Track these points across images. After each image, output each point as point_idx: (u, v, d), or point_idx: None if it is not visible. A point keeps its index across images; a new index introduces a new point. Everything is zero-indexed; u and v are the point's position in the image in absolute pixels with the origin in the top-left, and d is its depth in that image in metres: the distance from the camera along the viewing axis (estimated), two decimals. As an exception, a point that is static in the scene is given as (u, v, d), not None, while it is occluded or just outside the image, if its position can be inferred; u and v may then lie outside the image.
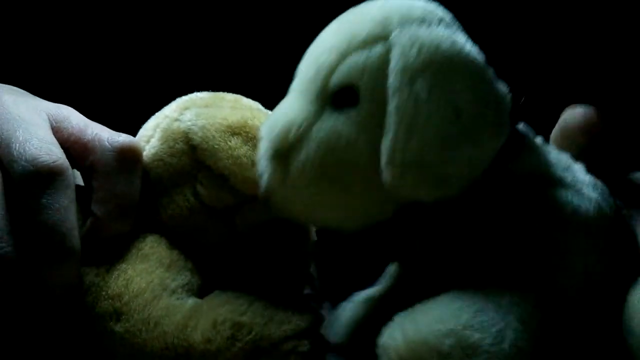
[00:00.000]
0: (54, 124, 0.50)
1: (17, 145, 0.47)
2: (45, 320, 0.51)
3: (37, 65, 0.82)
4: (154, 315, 0.52)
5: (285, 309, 0.53)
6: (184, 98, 0.58)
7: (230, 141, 0.54)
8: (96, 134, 0.52)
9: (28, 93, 0.53)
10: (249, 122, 0.55)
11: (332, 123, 0.47)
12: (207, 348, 0.51)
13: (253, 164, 0.53)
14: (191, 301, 0.53)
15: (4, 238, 0.48)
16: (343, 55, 0.48)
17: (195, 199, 0.55)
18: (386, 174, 0.44)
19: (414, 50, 0.45)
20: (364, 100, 0.47)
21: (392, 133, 0.44)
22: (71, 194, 0.50)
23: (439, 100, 0.44)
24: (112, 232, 0.53)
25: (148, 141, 0.57)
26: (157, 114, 0.58)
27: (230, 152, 0.54)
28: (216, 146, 0.54)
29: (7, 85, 0.53)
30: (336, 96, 0.48)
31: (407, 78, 0.45)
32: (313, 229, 0.59)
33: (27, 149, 0.47)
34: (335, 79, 0.48)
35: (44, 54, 0.83)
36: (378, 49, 0.47)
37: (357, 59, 0.47)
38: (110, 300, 0.52)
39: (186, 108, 0.57)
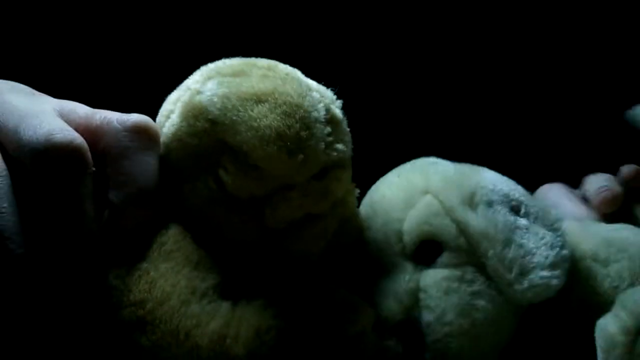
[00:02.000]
0: (62, 115, 0.46)
1: (26, 130, 0.43)
2: (60, 325, 0.43)
3: (37, 63, 0.76)
4: (184, 326, 0.43)
5: (337, 311, 0.45)
6: (210, 66, 0.49)
7: (252, 110, 0.45)
8: (104, 117, 0.46)
9: (32, 89, 0.50)
10: (279, 89, 0.45)
11: None
12: (251, 358, 0.43)
13: (278, 137, 0.44)
14: (225, 306, 0.45)
15: (14, 239, 0.42)
16: None
17: (218, 187, 0.46)
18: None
19: None
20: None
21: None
22: (89, 179, 0.43)
23: None
24: (133, 222, 0.45)
25: (168, 116, 0.48)
26: (181, 84, 0.49)
27: (250, 122, 0.44)
28: (235, 117, 0.45)
29: (11, 82, 0.50)
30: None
31: None
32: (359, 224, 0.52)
33: (37, 131, 0.43)
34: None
35: (44, 52, 0.77)
36: None
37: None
38: (132, 308, 0.44)
39: (210, 78, 0.47)
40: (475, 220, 0.48)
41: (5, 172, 0.43)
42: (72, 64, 0.76)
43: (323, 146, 0.46)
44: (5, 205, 0.42)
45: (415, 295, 0.49)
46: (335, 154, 0.47)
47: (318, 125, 0.46)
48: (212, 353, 0.43)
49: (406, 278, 0.49)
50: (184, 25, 0.76)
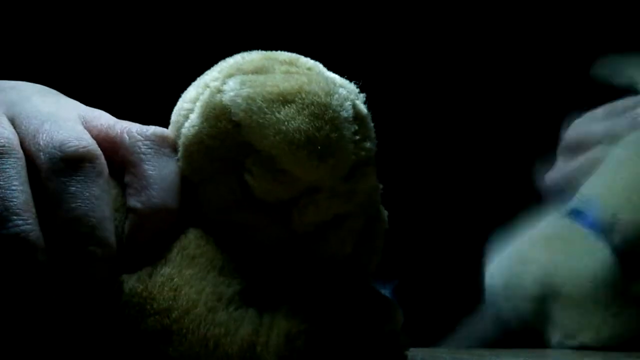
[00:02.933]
0: (84, 122, 0.47)
1: (44, 135, 0.43)
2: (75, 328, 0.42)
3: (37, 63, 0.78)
4: (212, 334, 0.42)
5: (368, 313, 0.44)
6: (229, 61, 0.47)
7: (279, 112, 0.42)
8: (125, 127, 0.46)
9: (59, 93, 0.50)
10: (305, 87, 0.43)
11: None
12: None
13: (309, 140, 0.42)
14: (252, 312, 0.43)
15: (25, 215, 0.41)
16: None
17: (243, 191, 0.44)
18: None
19: None
20: None
21: None
22: (103, 183, 0.43)
23: None
24: (156, 227, 0.44)
25: (187, 116, 0.46)
26: (197, 80, 0.47)
27: (278, 125, 0.42)
28: (261, 120, 0.42)
29: (38, 85, 0.50)
30: None
31: None
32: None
33: (54, 136, 0.43)
34: None
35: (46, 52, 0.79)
36: None
37: None
38: (157, 317, 0.42)
39: (230, 75, 0.45)
40: None
41: (21, 155, 0.43)
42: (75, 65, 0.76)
43: (352, 146, 0.44)
44: (16, 183, 0.42)
45: None
46: (363, 152, 0.45)
47: (346, 124, 0.44)
48: (246, 354, 0.42)
49: None
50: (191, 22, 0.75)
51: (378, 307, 0.45)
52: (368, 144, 0.46)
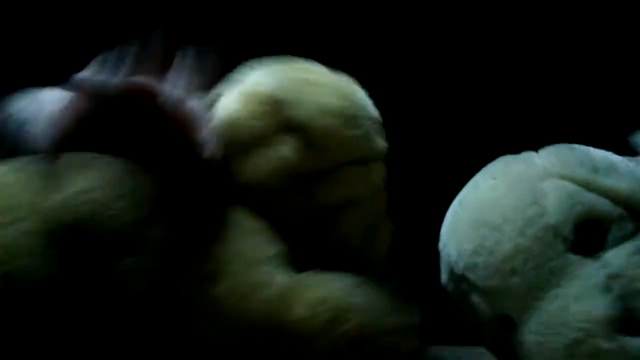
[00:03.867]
0: None
1: None
2: None
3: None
4: (251, 282, 0.46)
5: (391, 299, 0.49)
6: (257, 64, 0.54)
7: (314, 92, 0.51)
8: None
9: None
10: (334, 78, 0.52)
11: None
12: (302, 329, 0.45)
13: (338, 112, 0.50)
14: (286, 274, 0.47)
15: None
16: None
17: (277, 161, 0.50)
18: None
19: None
20: None
21: None
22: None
23: None
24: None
25: (220, 103, 0.52)
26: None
27: (314, 99, 0.50)
28: (300, 96, 0.50)
29: None
30: None
31: None
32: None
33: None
34: None
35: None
36: None
37: None
38: (207, 262, 0.46)
39: (262, 70, 0.53)
40: (618, 181, 0.44)
41: None
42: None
43: (373, 132, 0.52)
44: None
45: (609, 287, 0.42)
46: (377, 145, 0.52)
47: (368, 112, 0.52)
48: (270, 313, 0.45)
49: (589, 272, 0.43)
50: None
51: (391, 298, 0.49)
52: (381, 141, 0.53)
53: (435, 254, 0.53)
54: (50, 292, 0.43)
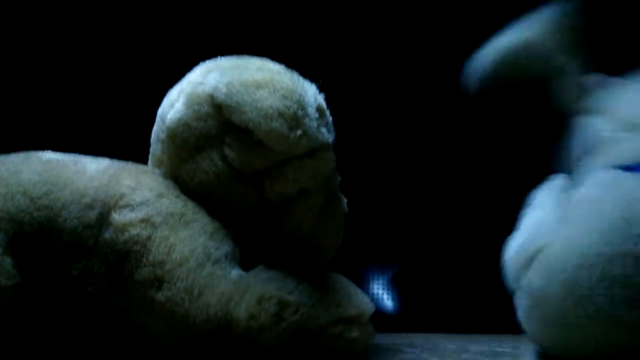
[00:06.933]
0: None
1: None
2: None
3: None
4: (198, 284, 0.49)
5: (335, 293, 0.51)
6: (208, 63, 0.56)
7: (255, 94, 0.52)
8: None
9: None
10: (275, 77, 0.53)
11: None
12: (251, 324, 0.49)
13: (280, 115, 0.51)
14: (235, 272, 0.51)
15: None
16: None
17: (224, 163, 0.53)
18: None
19: None
20: None
21: None
22: None
23: None
24: None
25: (172, 105, 0.55)
26: (181, 80, 0.56)
27: (255, 104, 0.51)
28: (240, 100, 0.52)
29: None
30: None
31: None
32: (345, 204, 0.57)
33: None
34: None
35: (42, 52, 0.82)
36: None
37: None
38: (151, 268, 0.50)
39: (210, 71, 0.54)
40: None
41: None
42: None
43: (315, 126, 0.53)
44: None
45: None
46: (322, 136, 0.53)
47: (310, 108, 0.53)
48: (219, 312, 0.49)
49: None
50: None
51: (342, 294, 0.51)
52: (327, 132, 0.54)
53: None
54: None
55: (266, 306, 0.49)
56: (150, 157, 0.56)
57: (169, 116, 0.54)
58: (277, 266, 0.52)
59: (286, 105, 0.52)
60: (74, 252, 0.49)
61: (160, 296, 0.49)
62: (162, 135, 0.54)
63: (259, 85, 0.52)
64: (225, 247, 0.52)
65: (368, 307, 0.52)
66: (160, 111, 0.56)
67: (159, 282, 0.49)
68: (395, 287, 0.82)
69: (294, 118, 0.52)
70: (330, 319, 0.50)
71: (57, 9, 0.81)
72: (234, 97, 0.52)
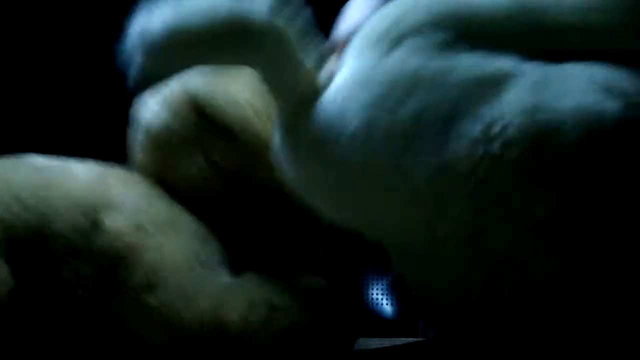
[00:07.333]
0: None
1: None
2: None
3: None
4: (190, 289, 0.50)
5: (320, 295, 0.52)
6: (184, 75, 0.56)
7: (232, 93, 0.54)
8: None
9: None
10: (252, 79, 0.54)
11: None
12: (243, 328, 0.49)
13: (256, 111, 0.54)
14: (226, 276, 0.52)
15: None
16: None
17: (206, 162, 0.54)
18: None
19: None
20: None
21: None
22: None
23: None
24: None
25: (150, 109, 0.55)
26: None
27: (233, 100, 0.54)
28: (220, 100, 0.54)
29: None
30: None
31: None
32: None
33: None
34: None
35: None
36: None
37: None
38: (144, 273, 0.50)
39: (189, 78, 0.55)
40: None
41: None
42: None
43: None
44: None
45: None
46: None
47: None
48: (212, 317, 0.50)
49: None
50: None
51: (320, 294, 0.52)
52: None
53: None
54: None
55: (257, 310, 0.50)
56: (131, 161, 0.56)
57: (148, 120, 0.55)
58: (266, 268, 0.53)
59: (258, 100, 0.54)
60: (65, 256, 0.50)
61: (153, 301, 0.50)
62: (142, 139, 0.55)
63: (235, 86, 0.54)
64: (215, 251, 0.53)
65: (354, 308, 0.54)
66: (137, 115, 0.57)
67: (152, 287, 0.50)
68: (394, 291, 0.82)
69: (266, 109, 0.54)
70: (319, 320, 0.51)
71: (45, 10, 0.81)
72: (213, 96, 0.54)
